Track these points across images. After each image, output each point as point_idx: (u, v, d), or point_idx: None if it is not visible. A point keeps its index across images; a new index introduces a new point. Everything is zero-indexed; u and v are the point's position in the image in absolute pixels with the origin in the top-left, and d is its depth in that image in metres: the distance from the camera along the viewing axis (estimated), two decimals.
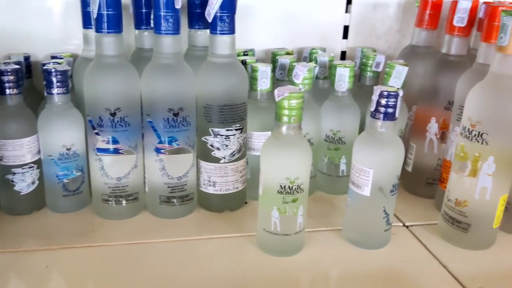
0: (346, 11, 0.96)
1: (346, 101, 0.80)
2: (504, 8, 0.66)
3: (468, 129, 0.65)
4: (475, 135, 0.65)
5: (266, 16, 0.93)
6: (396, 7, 0.97)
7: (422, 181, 0.84)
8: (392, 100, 0.62)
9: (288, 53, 0.87)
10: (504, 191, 0.67)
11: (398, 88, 0.63)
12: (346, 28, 0.98)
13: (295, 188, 0.62)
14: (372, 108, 0.64)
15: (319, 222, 0.75)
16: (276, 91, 0.60)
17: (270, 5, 0.93)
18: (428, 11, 0.84)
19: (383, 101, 0.63)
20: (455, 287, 0.62)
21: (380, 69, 0.84)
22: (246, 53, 0.87)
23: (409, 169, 0.86)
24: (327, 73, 0.84)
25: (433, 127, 0.81)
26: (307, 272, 0.64)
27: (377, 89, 0.63)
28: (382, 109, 0.63)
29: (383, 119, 0.63)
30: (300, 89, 0.61)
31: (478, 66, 0.72)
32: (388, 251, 0.69)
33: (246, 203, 0.80)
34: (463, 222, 0.68)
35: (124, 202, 0.73)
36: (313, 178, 0.84)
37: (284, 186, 0.62)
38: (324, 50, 0.92)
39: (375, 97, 0.63)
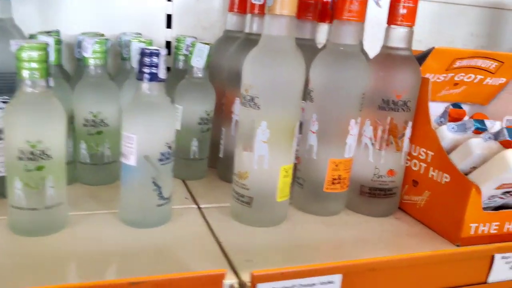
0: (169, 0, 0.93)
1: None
2: None
3: (244, 95, 0.62)
4: (248, 100, 0.61)
5: None
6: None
7: (232, 167, 0.80)
8: (155, 58, 0.58)
9: (97, 35, 0.82)
10: (283, 161, 0.63)
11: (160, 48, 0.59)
12: (170, 18, 0.94)
13: (39, 154, 0.54)
14: (136, 70, 0.59)
15: (94, 206, 0.68)
16: (12, 42, 0.54)
17: None
18: None
19: (146, 60, 0.58)
20: (220, 259, 0.56)
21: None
22: (49, 33, 0.80)
23: (221, 155, 0.82)
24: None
25: (237, 107, 0.78)
26: (67, 252, 0.56)
27: (139, 48, 0.58)
28: (146, 69, 0.58)
29: (149, 80, 0.59)
30: (45, 41, 0.55)
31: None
32: (164, 229, 0.63)
33: None
34: (246, 195, 0.64)
35: None
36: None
37: (24, 151, 0.54)
38: (140, 35, 0.87)
39: (137, 56, 0.58)
